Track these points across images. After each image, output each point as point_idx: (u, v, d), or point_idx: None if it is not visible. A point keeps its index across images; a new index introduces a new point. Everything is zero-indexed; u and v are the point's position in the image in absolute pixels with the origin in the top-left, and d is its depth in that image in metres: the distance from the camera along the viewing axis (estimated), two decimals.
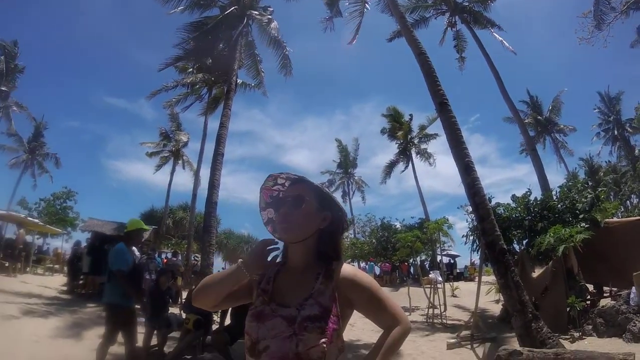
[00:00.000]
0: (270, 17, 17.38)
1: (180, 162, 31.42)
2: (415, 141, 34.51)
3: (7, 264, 15.04)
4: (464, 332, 9.18)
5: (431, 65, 10.24)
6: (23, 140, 36.39)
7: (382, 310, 1.41)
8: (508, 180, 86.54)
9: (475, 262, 25.74)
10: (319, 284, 1.36)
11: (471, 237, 14.28)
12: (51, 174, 37.27)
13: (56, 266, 19.62)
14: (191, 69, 21.46)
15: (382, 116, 34.90)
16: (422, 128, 33.88)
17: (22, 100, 35.02)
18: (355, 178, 42.25)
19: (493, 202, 13.07)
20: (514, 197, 13.67)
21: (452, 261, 27.24)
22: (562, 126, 35.50)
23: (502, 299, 10.50)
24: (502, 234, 8.38)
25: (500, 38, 23.22)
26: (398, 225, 25.91)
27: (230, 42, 16.82)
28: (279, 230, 1.50)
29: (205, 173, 23.70)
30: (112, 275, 5.32)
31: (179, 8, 16.50)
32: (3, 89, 32.42)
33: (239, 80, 18.97)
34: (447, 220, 14.61)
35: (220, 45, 17.24)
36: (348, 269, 1.43)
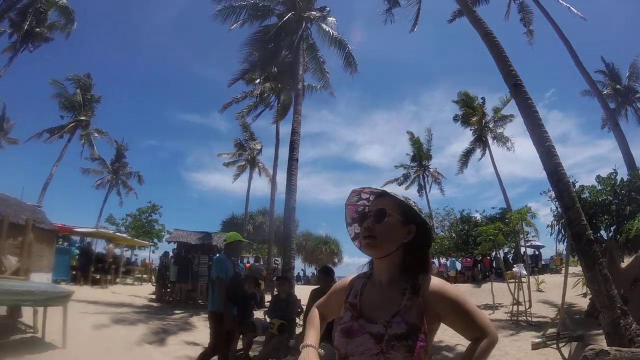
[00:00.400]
0: (327, 15, 17.42)
1: (256, 169, 32.41)
2: (491, 125, 32.92)
3: (98, 277, 16.21)
4: (550, 331, 8.70)
5: (499, 45, 9.75)
6: (106, 162, 39.23)
7: (469, 323, 1.37)
8: (591, 158, 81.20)
9: (562, 253, 24.34)
10: (406, 300, 1.36)
11: (556, 227, 13.60)
12: (135, 190, 39.96)
13: (144, 276, 20.89)
14: (258, 79, 21.90)
15: (452, 102, 33.90)
16: (497, 111, 32.21)
17: (102, 126, 37.68)
18: (431, 170, 40.07)
19: (577, 185, 12.49)
20: (598, 178, 12.91)
21: (536, 252, 25.75)
22: None
23: (589, 292, 9.86)
24: (588, 221, 7.84)
25: (566, 4, 21.76)
26: (478, 217, 24.97)
27: (293, 47, 17.05)
28: (363, 245, 1.49)
29: (281, 177, 24.39)
30: (213, 284, 5.52)
31: (238, 22, 17.02)
32: (82, 118, 34.74)
33: (305, 84, 19.10)
34: (530, 210, 14.05)
35: (283, 52, 17.47)
36: (435, 281, 1.41)
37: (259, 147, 31.43)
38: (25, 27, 25.02)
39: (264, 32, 16.64)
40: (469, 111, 32.44)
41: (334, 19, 17.38)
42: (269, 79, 21.14)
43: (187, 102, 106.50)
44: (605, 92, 29.39)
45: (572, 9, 21.69)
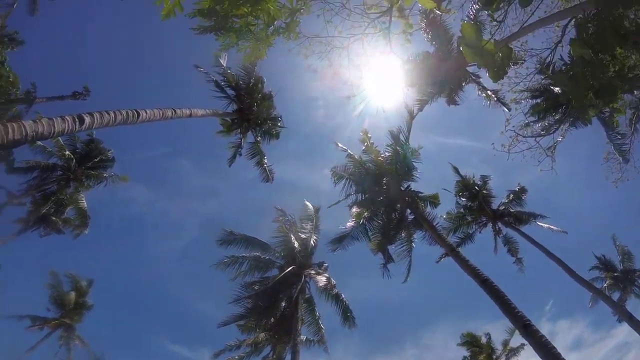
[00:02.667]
0: (325, 271, 17.71)
1: None
2: None
3: None
4: None
5: (499, 290, 10.17)
6: None
7: None
8: (613, 349, 76.56)
9: None
10: None
11: None
12: None
13: None
14: (253, 326, 21.29)
15: (458, 346, 32.61)
16: (506, 344, 31.23)
17: (86, 330, 35.49)
18: None
19: None
20: None
21: None
22: None
23: None
24: None
25: (546, 225, 23.39)
26: None
27: (291, 300, 17.59)
28: None
29: None
30: None
31: (240, 272, 17.71)
32: (68, 322, 33.10)
33: (302, 337, 18.95)
34: None
35: (282, 303, 17.93)
36: None
37: None
38: (43, 212, 25.90)
39: (264, 282, 16.88)
40: (477, 350, 31.57)
41: (332, 281, 17.68)
42: (265, 329, 20.60)
43: (177, 331, 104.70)
44: (606, 285, 29.43)
45: (552, 227, 23.44)
